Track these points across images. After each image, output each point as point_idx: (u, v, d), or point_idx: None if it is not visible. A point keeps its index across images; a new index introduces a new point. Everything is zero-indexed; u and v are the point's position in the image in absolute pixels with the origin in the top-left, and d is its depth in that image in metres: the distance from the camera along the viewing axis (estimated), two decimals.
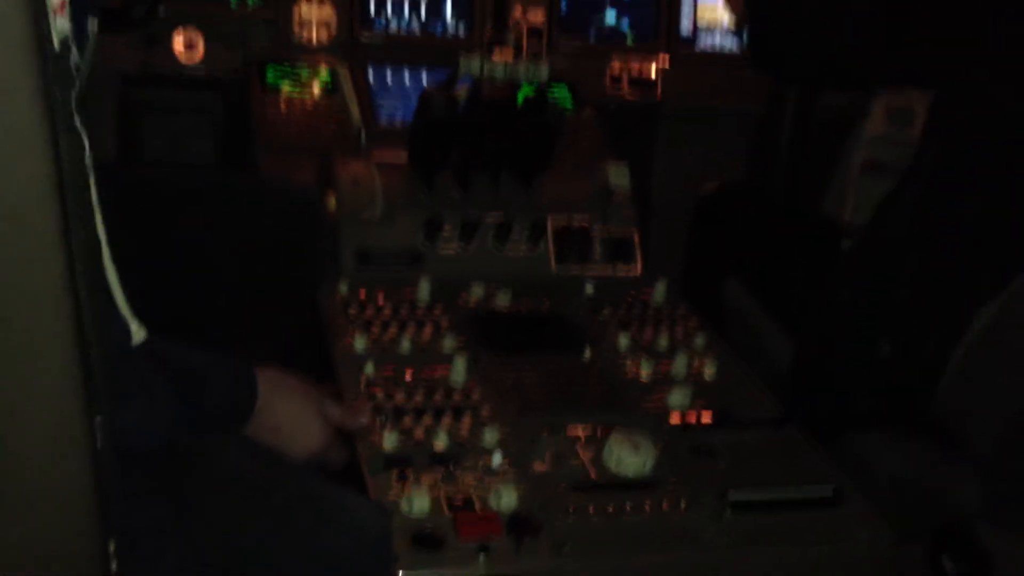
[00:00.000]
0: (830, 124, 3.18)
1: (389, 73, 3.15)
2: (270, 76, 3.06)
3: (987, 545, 1.77)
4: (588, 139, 3.06)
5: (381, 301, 2.20)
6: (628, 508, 1.65)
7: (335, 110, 2.98)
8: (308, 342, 2.14)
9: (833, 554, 1.68)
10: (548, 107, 2.42)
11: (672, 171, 3.62)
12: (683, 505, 1.67)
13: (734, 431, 1.90)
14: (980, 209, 2.07)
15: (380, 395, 1.87)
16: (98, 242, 1.18)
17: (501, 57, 2.36)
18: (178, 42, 3.06)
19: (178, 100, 3.33)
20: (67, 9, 0.89)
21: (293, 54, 3.17)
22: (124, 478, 1.06)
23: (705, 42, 3.67)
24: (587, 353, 2.11)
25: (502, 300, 2.28)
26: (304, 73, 3.09)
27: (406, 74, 3.17)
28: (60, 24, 0.87)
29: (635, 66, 3.51)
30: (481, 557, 1.51)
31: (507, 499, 1.61)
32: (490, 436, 1.77)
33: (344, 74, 3.08)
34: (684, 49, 3.62)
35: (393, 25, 3.33)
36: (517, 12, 3.28)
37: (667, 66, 3.52)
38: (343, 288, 2.23)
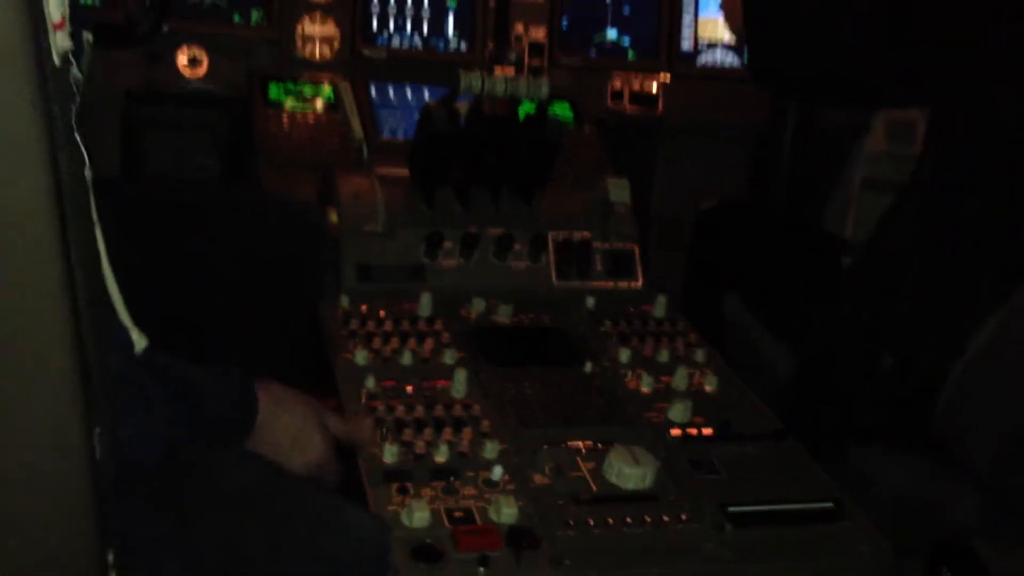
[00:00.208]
0: (831, 140, 3.18)
1: (391, 89, 3.16)
2: (273, 92, 3.07)
3: (986, 560, 1.76)
4: (589, 154, 3.07)
5: (382, 315, 2.21)
6: (628, 521, 1.65)
7: (337, 125, 2.99)
8: (309, 355, 2.15)
9: (833, 568, 1.68)
10: (549, 123, 2.43)
11: (673, 186, 3.62)
12: (683, 518, 1.67)
13: (734, 444, 1.90)
14: (980, 215, 2.07)
15: (381, 408, 1.87)
16: (97, 254, 1.19)
17: (502, 73, 2.36)
18: (182, 58, 3.07)
19: (181, 116, 3.34)
20: (67, 25, 0.89)
21: (296, 70, 3.18)
22: (123, 489, 1.07)
23: (706, 58, 3.68)
24: (587, 367, 2.12)
25: (503, 314, 2.28)
26: (307, 89, 3.10)
27: (408, 90, 3.18)
28: (60, 40, 0.88)
29: (636, 82, 3.51)
30: (481, 570, 1.51)
31: (507, 512, 1.61)
32: (490, 449, 1.77)
33: (346, 89, 3.10)
34: (685, 65, 3.62)
35: (395, 41, 3.35)
36: (518, 29, 3.31)
37: (668, 82, 3.53)
38: (344, 302, 2.24)
